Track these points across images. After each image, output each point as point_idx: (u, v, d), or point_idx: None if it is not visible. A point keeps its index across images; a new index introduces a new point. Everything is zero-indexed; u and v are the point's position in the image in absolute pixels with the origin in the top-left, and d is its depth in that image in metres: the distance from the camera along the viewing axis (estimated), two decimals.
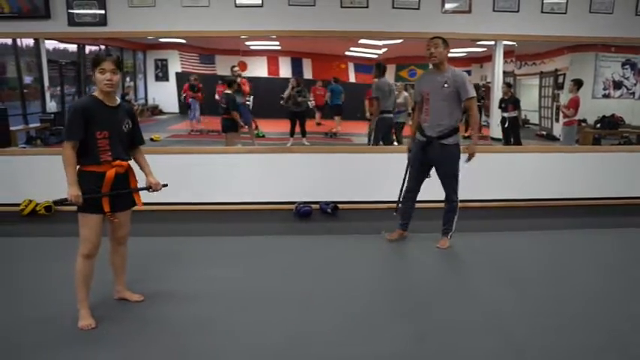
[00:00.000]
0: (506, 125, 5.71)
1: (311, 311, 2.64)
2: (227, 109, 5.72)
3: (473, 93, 3.44)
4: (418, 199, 3.68)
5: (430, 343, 2.32)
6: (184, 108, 7.02)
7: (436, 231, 3.70)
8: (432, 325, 2.49)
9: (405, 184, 3.72)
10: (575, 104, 5.56)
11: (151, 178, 2.60)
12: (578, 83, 5.56)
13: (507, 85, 5.56)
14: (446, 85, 3.42)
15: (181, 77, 6.84)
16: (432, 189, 3.57)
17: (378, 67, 5.59)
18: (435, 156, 3.53)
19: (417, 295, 2.88)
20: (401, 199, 3.73)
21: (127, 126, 2.48)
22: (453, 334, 2.40)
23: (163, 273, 3.13)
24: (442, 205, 3.61)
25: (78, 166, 2.37)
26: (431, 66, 3.53)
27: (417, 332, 2.41)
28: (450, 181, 3.56)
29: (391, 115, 5.57)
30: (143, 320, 2.51)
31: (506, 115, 5.68)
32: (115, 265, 2.67)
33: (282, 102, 6.35)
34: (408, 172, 3.71)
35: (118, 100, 2.49)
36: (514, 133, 5.78)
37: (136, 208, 2.58)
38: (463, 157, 3.54)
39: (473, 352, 2.25)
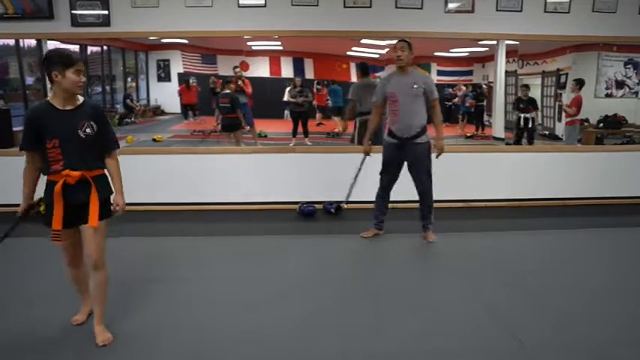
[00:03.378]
0: (528, 125, 5.84)
1: (314, 310, 2.64)
2: (230, 108, 5.72)
3: (437, 94, 3.61)
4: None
5: (432, 340, 2.33)
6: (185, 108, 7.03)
7: (442, 231, 3.72)
8: (434, 324, 2.49)
9: (380, 184, 3.83)
10: (577, 103, 5.57)
11: (117, 197, 2.26)
12: (579, 83, 5.58)
13: (526, 87, 5.69)
14: (415, 87, 3.53)
15: (183, 77, 6.84)
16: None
17: (362, 67, 5.55)
18: (409, 155, 3.63)
19: (420, 294, 2.88)
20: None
21: (86, 130, 2.13)
22: (456, 331, 2.41)
23: (165, 273, 3.13)
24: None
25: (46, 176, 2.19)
26: (394, 68, 3.64)
27: (420, 331, 2.42)
28: (425, 178, 3.65)
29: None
30: (145, 319, 2.51)
31: (527, 115, 5.81)
32: (86, 285, 2.33)
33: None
34: (381, 173, 3.79)
35: (81, 99, 2.18)
36: (529, 133, 5.87)
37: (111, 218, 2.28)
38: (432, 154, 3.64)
39: (475, 347, 2.26)
